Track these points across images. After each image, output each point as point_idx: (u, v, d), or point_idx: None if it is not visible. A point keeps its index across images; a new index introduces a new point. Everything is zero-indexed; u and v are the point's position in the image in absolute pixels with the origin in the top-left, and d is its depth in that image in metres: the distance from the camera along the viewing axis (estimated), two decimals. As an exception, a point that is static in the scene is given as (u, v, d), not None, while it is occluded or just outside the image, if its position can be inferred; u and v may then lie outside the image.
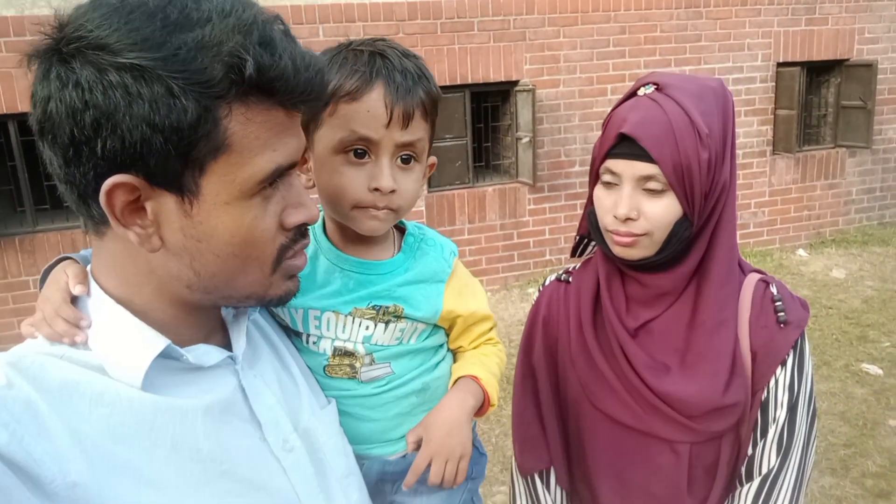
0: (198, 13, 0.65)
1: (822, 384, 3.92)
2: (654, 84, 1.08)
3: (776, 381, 1.12)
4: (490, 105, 5.89)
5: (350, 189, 0.97)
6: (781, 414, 1.11)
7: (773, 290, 1.15)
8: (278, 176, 0.73)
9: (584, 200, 1.20)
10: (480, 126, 5.91)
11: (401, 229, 1.14)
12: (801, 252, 6.49)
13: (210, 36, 0.64)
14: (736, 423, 1.13)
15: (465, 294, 1.11)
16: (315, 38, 5.08)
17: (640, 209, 1.06)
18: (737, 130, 6.15)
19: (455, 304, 1.08)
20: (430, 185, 5.63)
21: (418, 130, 0.99)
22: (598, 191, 1.13)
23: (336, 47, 1.01)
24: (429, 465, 1.01)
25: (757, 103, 6.30)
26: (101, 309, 0.75)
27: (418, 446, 1.04)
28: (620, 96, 1.14)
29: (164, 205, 0.69)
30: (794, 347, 1.12)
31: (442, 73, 5.42)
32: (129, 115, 0.63)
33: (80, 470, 0.65)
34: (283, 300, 0.82)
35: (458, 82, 5.49)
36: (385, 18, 5.23)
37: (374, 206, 0.98)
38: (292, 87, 0.68)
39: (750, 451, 1.15)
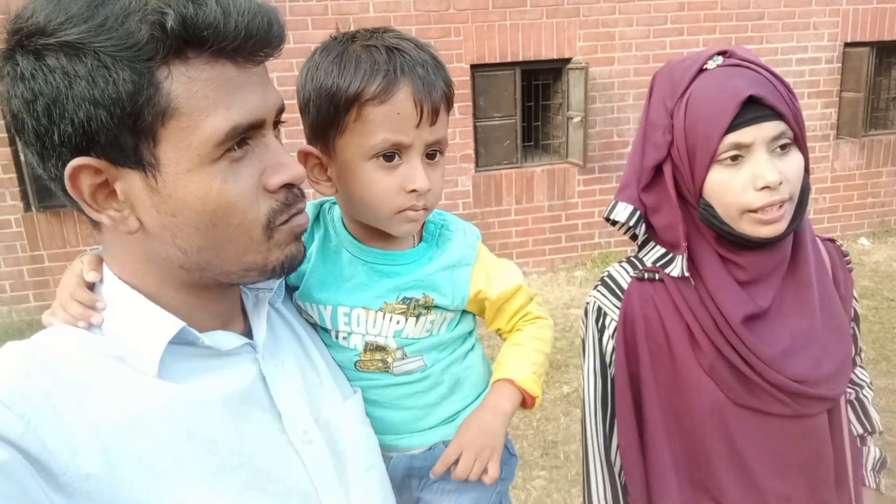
0: None
1: (882, 380, 3.76)
2: (720, 55, 1.06)
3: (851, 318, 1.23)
4: (541, 83, 5.78)
5: (388, 195, 0.93)
6: (856, 328, 1.27)
7: (840, 245, 1.26)
8: (242, 135, 0.69)
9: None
10: (530, 105, 5.81)
11: None
12: (863, 241, 6.24)
13: (136, 0, 0.63)
14: None
15: (493, 275, 1.06)
16: (366, 14, 5.06)
17: (782, 172, 1.02)
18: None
19: (483, 285, 1.04)
20: (477, 165, 5.59)
21: (443, 125, 0.95)
22: (720, 174, 1.03)
23: (337, 42, 0.94)
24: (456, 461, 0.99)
25: (821, 85, 6.03)
26: (116, 293, 0.75)
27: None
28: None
29: (132, 183, 0.68)
30: (853, 285, 1.25)
31: (492, 50, 5.34)
32: (70, 95, 0.62)
33: (93, 461, 0.64)
34: (286, 267, 0.78)
35: (509, 60, 5.41)
36: (436, -6, 5.17)
37: (412, 209, 0.94)
38: (224, 34, 0.64)
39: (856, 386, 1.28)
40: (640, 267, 1.19)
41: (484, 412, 1.02)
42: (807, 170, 1.06)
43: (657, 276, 1.16)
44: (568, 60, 5.53)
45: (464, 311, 1.07)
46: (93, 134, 0.64)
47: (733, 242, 1.08)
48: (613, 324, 1.18)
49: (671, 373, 1.15)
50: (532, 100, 5.81)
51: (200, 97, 0.66)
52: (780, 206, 1.02)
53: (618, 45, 5.58)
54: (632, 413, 1.18)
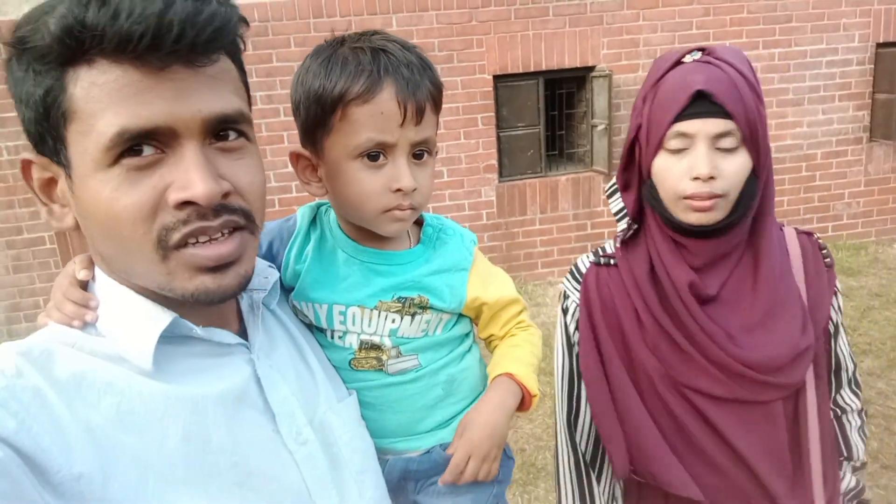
0: None
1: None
2: (699, 50, 1.11)
3: (831, 320, 1.23)
4: (565, 92, 5.76)
5: (373, 195, 0.94)
6: (842, 344, 1.27)
7: (817, 238, 1.26)
8: (136, 142, 0.66)
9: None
10: (554, 113, 5.79)
11: (418, 220, 1.12)
12: (899, 246, 6.07)
13: (57, 4, 0.64)
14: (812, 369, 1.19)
15: (489, 281, 1.08)
16: (388, 29, 5.08)
17: (718, 168, 1.06)
18: (830, 116, 5.83)
19: (479, 291, 1.06)
20: (500, 175, 5.57)
21: (430, 125, 0.96)
22: (664, 160, 1.10)
23: (327, 46, 0.97)
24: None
25: (853, 87, 5.90)
26: (107, 291, 0.76)
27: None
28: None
29: (64, 182, 0.71)
30: (835, 284, 1.25)
31: (515, 60, 5.33)
32: (18, 95, 0.69)
33: (86, 461, 0.64)
34: (200, 299, 0.71)
35: (532, 69, 5.39)
36: (458, 6, 5.18)
37: (398, 208, 0.95)
38: (110, 36, 0.62)
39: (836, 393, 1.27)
40: (601, 254, 1.29)
41: (490, 411, 1.01)
42: (756, 174, 1.09)
43: (612, 262, 1.26)
44: (591, 69, 5.50)
45: (460, 314, 1.08)
46: (30, 133, 0.69)
47: (675, 226, 1.13)
48: (573, 305, 1.27)
49: (624, 352, 1.22)
50: (556, 109, 5.78)
51: (95, 101, 0.65)
52: (714, 197, 1.07)
53: (642, 52, 5.53)
54: (602, 381, 1.23)
